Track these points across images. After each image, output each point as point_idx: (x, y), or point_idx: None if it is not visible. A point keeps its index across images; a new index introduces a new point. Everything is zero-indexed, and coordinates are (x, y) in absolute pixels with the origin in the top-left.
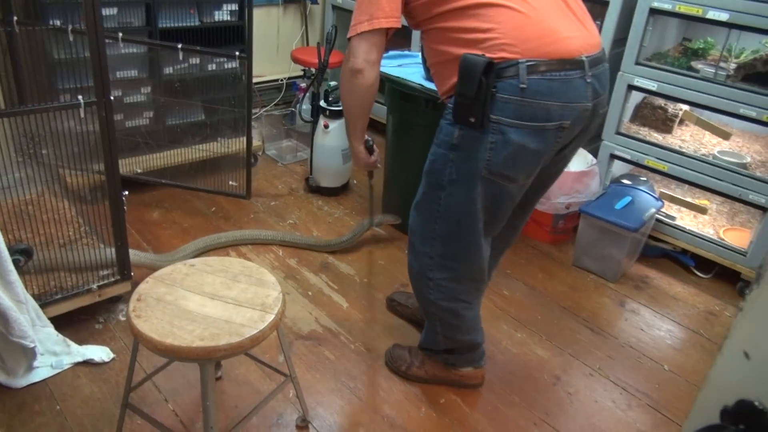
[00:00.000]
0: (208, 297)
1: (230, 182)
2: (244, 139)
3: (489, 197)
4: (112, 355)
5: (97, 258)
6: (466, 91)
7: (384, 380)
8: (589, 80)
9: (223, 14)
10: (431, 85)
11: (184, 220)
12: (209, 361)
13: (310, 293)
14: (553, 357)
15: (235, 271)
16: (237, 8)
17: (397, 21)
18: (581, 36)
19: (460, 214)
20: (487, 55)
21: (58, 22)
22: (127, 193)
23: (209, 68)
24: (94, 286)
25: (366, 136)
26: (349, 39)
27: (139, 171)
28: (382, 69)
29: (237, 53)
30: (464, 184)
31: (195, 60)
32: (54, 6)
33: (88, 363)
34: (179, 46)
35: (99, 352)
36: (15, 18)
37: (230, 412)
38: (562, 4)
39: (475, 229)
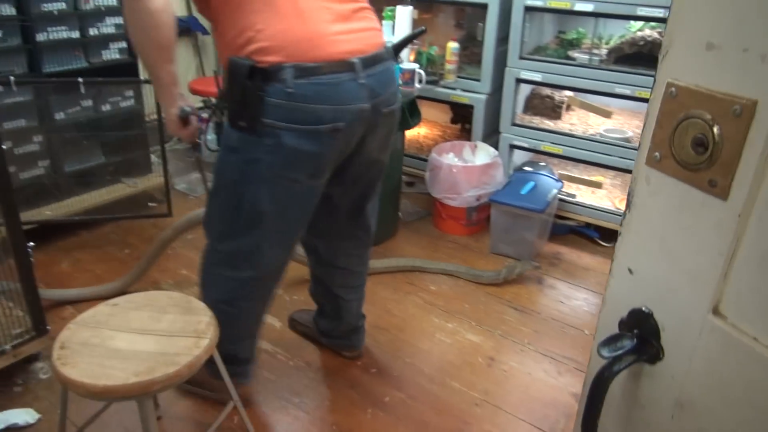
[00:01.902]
0: (137, 333)
1: (149, 203)
2: (150, 176)
3: (275, 199)
4: (37, 416)
5: (8, 317)
6: (233, 96)
7: (328, 390)
8: (362, 81)
9: (112, 53)
10: None
11: (96, 266)
12: (147, 396)
13: None
14: (485, 340)
15: (162, 303)
16: (126, 45)
17: None
18: (354, 38)
19: (245, 214)
20: (255, 58)
21: None
22: (33, 244)
23: (103, 109)
24: (8, 347)
25: (185, 104)
26: None
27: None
28: None
29: (143, 78)
30: (246, 185)
31: (87, 102)
32: None
33: (12, 429)
34: (80, 79)
35: (23, 415)
36: None
37: None
38: (334, 5)
39: (265, 230)
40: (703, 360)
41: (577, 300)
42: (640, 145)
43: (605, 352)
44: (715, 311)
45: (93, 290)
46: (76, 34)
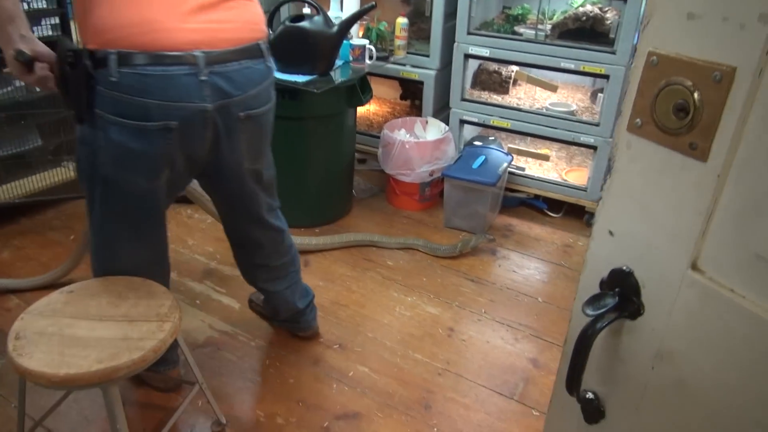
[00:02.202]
0: (96, 320)
1: None
2: None
3: (113, 200)
4: None
5: None
6: (57, 80)
7: (291, 368)
8: (204, 78)
9: (44, 29)
10: (283, 76)
11: (41, 254)
12: (112, 383)
13: (198, 302)
14: (444, 312)
15: (120, 288)
16: (58, 21)
17: None
18: (205, 29)
19: (96, 209)
20: (86, 38)
21: None
22: None
23: (37, 89)
24: None
25: (26, 48)
26: None
27: None
28: None
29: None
30: (90, 182)
31: (19, 82)
32: None
33: None
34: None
35: None
36: None
37: None
38: None
39: (110, 230)
40: (683, 313)
41: (529, 269)
42: (620, 112)
43: (589, 311)
44: (694, 267)
45: (32, 281)
46: None
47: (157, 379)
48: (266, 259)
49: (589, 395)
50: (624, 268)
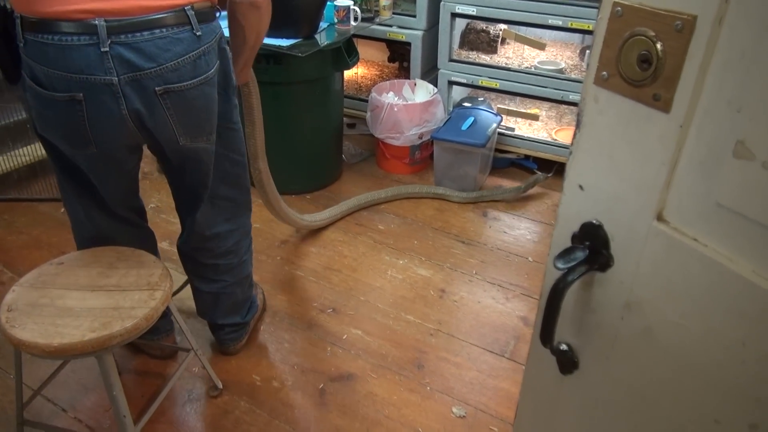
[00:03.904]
0: (87, 290)
1: None
2: None
3: (61, 157)
4: None
5: None
6: None
7: (286, 333)
8: (105, 49)
9: None
10: (266, 40)
11: (32, 228)
12: (106, 351)
13: None
14: (435, 274)
15: (110, 259)
16: None
17: None
18: None
19: (53, 166)
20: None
21: None
22: None
23: None
24: None
25: None
26: None
27: None
28: None
29: None
30: (39, 139)
31: None
32: None
33: None
34: None
35: None
36: None
37: (138, 403)
38: None
39: (69, 187)
40: (649, 263)
41: (520, 229)
42: (588, 66)
43: (560, 264)
44: (659, 217)
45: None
46: None
47: (152, 347)
48: (195, 252)
49: (563, 346)
50: (594, 221)
